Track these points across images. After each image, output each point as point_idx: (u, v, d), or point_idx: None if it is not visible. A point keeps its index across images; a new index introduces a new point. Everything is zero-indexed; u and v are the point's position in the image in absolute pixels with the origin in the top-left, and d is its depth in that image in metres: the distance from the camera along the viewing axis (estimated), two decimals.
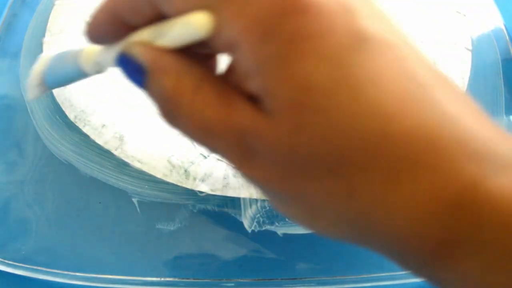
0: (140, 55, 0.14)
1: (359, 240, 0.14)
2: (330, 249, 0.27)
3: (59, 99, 0.29)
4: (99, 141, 0.27)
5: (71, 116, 0.28)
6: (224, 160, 0.14)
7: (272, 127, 0.12)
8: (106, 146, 0.27)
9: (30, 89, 0.23)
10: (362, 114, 0.12)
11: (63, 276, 0.25)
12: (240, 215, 0.26)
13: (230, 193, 0.26)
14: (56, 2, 0.33)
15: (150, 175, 0.26)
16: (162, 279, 0.26)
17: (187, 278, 0.26)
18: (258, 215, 0.26)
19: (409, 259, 0.13)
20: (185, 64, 0.14)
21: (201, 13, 0.13)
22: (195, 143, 0.15)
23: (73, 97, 0.29)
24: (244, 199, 0.26)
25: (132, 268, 0.26)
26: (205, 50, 0.14)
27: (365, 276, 0.26)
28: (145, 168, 0.26)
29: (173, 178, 0.26)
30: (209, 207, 0.27)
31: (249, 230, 0.26)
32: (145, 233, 0.27)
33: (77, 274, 0.25)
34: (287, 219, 0.26)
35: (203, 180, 0.26)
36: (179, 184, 0.26)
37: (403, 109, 0.12)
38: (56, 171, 0.28)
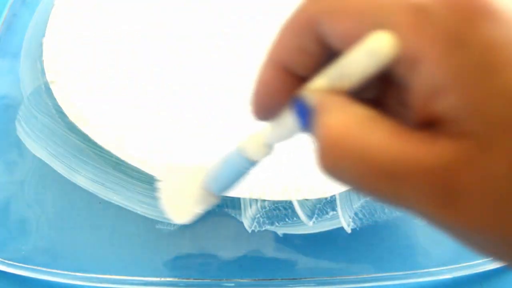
0: (309, 95, 0.12)
1: None
2: (330, 249, 0.27)
3: (59, 99, 0.29)
4: (99, 141, 0.27)
5: (71, 116, 0.28)
6: (412, 209, 0.11)
7: (484, 155, 0.10)
8: (106, 146, 0.27)
9: (192, 207, 0.21)
10: None
11: (63, 276, 0.25)
12: (240, 215, 0.26)
13: (230, 193, 0.26)
14: (56, 2, 0.33)
15: (150, 175, 0.26)
16: (162, 279, 0.26)
17: (187, 278, 0.26)
18: (258, 215, 0.26)
19: None
20: (349, 99, 0.12)
21: (382, 33, 0.11)
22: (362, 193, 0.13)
23: (73, 97, 0.29)
24: (244, 199, 0.26)
25: (132, 268, 0.26)
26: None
27: (365, 276, 0.26)
28: (145, 168, 0.26)
29: None
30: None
31: (249, 230, 0.26)
32: (145, 233, 0.27)
33: (77, 274, 0.25)
34: (287, 219, 0.26)
35: None
36: None
37: None
38: (56, 171, 0.28)
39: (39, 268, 0.26)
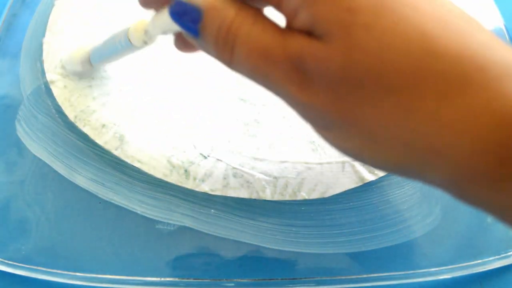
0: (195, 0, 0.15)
1: (414, 166, 0.14)
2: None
3: (59, 99, 0.29)
4: (99, 141, 0.27)
5: (71, 116, 0.28)
6: (279, 90, 0.15)
7: (326, 48, 0.13)
8: (106, 146, 0.27)
9: (72, 63, 0.26)
10: (407, 34, 0.12)
11: (63, 276, 0.25)
12: (241, 214, 0.26)
13: (230, 193, 0.26)
14: (56, 2, 0.33)
15: (150, 175, 0.26)
16: (162, 279, 0.26)
17: (187, 278, 0.26)
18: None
19: (466, 185, 0.13)
20: (240, 3, 0.15)
21: None
22: (252, 80, 0.15)
23: (73, 97, 0.29)
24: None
25: (132, 268, 0.26)
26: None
27: (365, 276, 0.26)
28: (145, 168, 0.26)
29: (173, 178, 0.26)
30: (209, 208, 0.27)
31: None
32: (145, 233, 0.27)
33: (77, 274, 0.25)
34: None
35: (203, 180, 0.26)
36: (179, 184, 0.26)
37: (445, 33, 0.12)
38: (56, 171, 0.28)
39: (39, 268, 0.26)
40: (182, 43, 0.20)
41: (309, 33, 0.14)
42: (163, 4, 0.17)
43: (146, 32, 0.19)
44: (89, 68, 0.27)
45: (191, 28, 0.15)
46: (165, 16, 0.16)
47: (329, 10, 0.13)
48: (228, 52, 0.15)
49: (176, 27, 0.16)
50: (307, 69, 0.13)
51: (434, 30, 0.12)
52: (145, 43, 0.20)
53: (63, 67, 0.29)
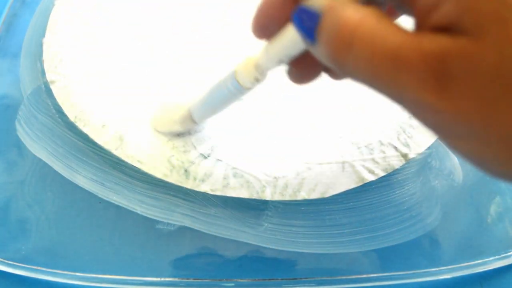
0: (316, 3, 0.14)
1: None
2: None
3: (59, 99, 0.29)
4: (99, 141, 0.27)
5: (71, 116, 0.28)
6: (408, 97, 0.13)
7: (476, 45, 0.11)
8: (106, 146, 0.27)
9: (169, 125, 0.24)
10: None
11: (63, 276, 0.25)
12: (241, 214, 0.26)
13: (230, 193, 0.26)
14: (56, 2, 0.33)
15: (150, 175, 0.26)
16: (162, 279, 0.26)
17: (187, 278, 0.26)
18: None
19: None
20: (361, 3, 0.13)
21: None
22: (366, 84, 0.14)
23: (73, 97, 0.29)
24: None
25: (132, 268, 0.26)
26: None
27: (365, 276, 0.26)
28: (145, 168, 0.26)
29: (173, 178, 0.26)
30: (209, 207, 0.27)
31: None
32: (145, 233, 0.27)
33: (77, 274, 0.25)
34: None
35: (203, 180, 0.26)
36: (179, 184, 0.26)
37: None
38: (56, 171, 0.28)
39: (39, 268, 0.26)
40: (297, 73, 0.18)
41: (447, 30, 0.12)
42: (279, 28, 0.16)
43: (257, 67, 0.17)
44: (191, 126, 0.24)
45: (309, 31, 0.14)
46: (282, 40, 0.15)
47: (481, 1, 0.11)
48: (345, 54, 0.13)
49: (293, 52, 0.15)
50: (450, 72, 0.12)
51: None
52: (257, 80, 0.18)
53: (155, 129, 0.27)
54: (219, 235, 0.26)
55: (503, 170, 0.13)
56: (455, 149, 0.14)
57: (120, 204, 0.26)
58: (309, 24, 0.14)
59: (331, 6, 0.13)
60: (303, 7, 0.14)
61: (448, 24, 0.12)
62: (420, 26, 0.13)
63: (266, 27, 0.16)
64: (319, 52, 0.14)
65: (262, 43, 0.17)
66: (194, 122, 0.23)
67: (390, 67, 0.12)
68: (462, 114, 0.12)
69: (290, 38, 0.15)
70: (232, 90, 0.18)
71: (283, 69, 0.32)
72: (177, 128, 0.25)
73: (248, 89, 0.18)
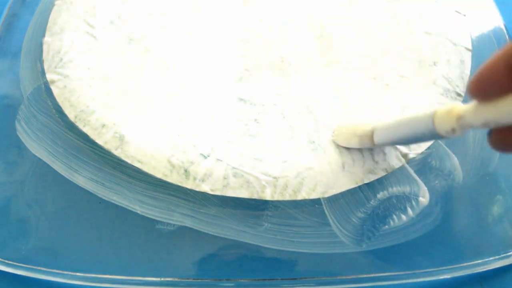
0: None
1: None
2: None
3: (59, 99, 0.29)
4: (99, 141, 0.27)
5: (71, 116, 0.28)
6: None
7: None
8: (106, 146, 0.27)
9: (348, 137, 0.24)
10: None
11: (63, 276, 0.25)
12: (241, 214, 0.26)
13: (230, 193, 0.26)
14: (56, 2, 0.33)
15: (150, 175, 0.26)
16: (162, 279, 0.26)
17: (187, 278, 0.26)
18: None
19: None
20: None
21: None
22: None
23: (73, 97, 0.29)
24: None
25: (132, 268, 0.26)
26: None
27: (365, 276, 0.26)
28: (145, 168, 0.26)
29: (173, 178, 0.26)
30: (209, 207, 0.27)
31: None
32: (145, 233, 0.27)
33: (77, 274, 0.25)
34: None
35: (203, 180, 0.26)
36: (179, 184, 0.26)
37: None
38: (56, 171, 0.28)
39: (39, 268, 0.26)
40: (501, 141, 0.17)
41: None
42: (498, 93, 0.15)
43: (459, 119, 0.16)
44: (368, 145, 0.24)
45: None
46: (500, 107, 0.15)
47: None
48: None
49: (507, 122, 0.15)
50: None
51: None
52: (453, 132, 0.17)
53: (333, 134, 0.27)
54: (219, 235, 0.26)
55: None
56: None
57: (120, 204, 0.26)
58: None
59: None
60: None
61: None
62: None
63: (485, 90, 0.15)
64: None
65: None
66: (372, 142, 0.23)
67: None
68: None
69: (504, 113, 0.14)
70: (424, 130, 0.18)
71: (283, 69, 0.31)
72: (355, 141, 0.25)
73: (441, 137, 0.18)
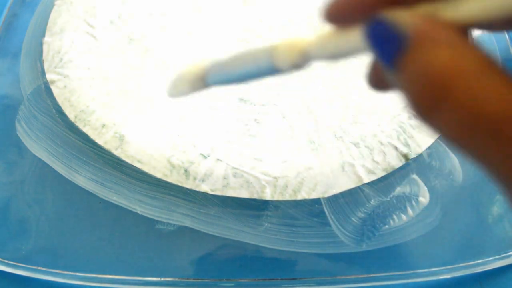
0: (404, 20, 0.11)
1: None
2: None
3: (59, 99, 0.29)
4: (99, 141, 0.27)
5: (71, 116, 0.28)
6: (502, 174, 0.10)
7: None
8: (106, 146, 0.27)
9: (182, 84, 0.21)
10: None
11: (63, 276, 0.25)
12: (241, 214, 0.26)
13: (230, 193, 0.26)
14: (56, 2, 0.33)
15: (150, 175, 0.26)
16: (162, 279, 0.26)
17: (187, 278, 0.26)
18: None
19: None
20: (465, 40, 0.10)
21: None
22: (449, 143, 0.11)
23: (73, 97, 0.29)
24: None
25: (132, 268, 0.26)
26: None
27: (365, 276, 0.26)
28: (145, 168, 0.26)
29: (173, 178, 0.26)
30: (209, 207, 0.27)
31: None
32: (145, 233, 0.27)
33: (77, 274, 0.25)
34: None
35: (203, 180, 0.26)
36: (179, 184, 0.26)
37: None
38: (56, 171, 0.28)
39: (39, 268, 0.26)
40: (376, 79, 0.15)
41: None
42: (354, 20, 0.13)
43: (303, 53, 0.15)
44: (200, 88, 0.21)
45: (387, 57, 0.11)
46: (350, 37, 0.13)
47: None
48: (432, 109, 0.10)
49: (356, 54, 0.13)
50: None
51: None
52: (296, 67, 0.16)
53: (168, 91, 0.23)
54: (219, 235, 0.26)
55: None
56: None
57: (120, 204, 0.26)
58: (389, 47, 0.11)
59: (422, 35, 0.10)
60: (384, 20, 0.11)
61: None
62: None
63: (341, 15, 0.13)
64: (397, 84, 0.11)
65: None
66: (205, 84, 0.20)
67: (488, 139, 0.10)
68: None
69: (360, 41, 0.13)
70: (262, 67, 0.16)
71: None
72: (186, 88, 0.22)
73: (283, 72, 0.16)
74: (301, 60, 0.15)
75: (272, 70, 0.16)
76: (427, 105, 0.11)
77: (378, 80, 0.15)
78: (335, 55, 0.14)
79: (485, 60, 0.10)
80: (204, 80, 0.20)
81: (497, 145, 0.10)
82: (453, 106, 0.10)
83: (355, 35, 0.13)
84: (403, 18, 0.11)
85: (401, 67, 0.11)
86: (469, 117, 0.10)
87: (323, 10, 0.13)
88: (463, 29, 0.11)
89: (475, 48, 0.10)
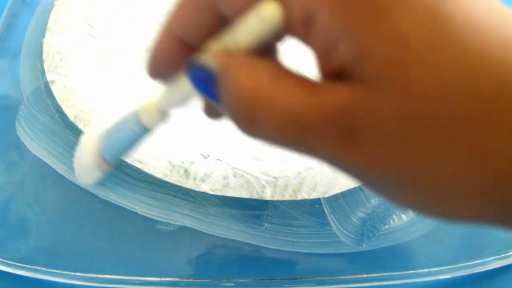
0: (207, 59, 0.13)
1: (497, 216, 0.11)
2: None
3: (59, 99, 0.29)
4: None
5: (71, 116, 0.28)
6: (320, 155, 0.12)
7: (376, 96, 0.10)
8: None
9: (90, 172, 0.21)
10: (472, 68, 0.10)
11: (63, 276, 0.25)
12: (241, 214, 0.26)
13: (230, 193, 0.26)
14: (56, 2, 0.33)
15: (150, 175, 0.26)
16: (162, 279, 0.26)
17: (187, 278, 0.26)
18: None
19: None
20: (255, 58, 0.12)
21: (268, 2, 0.12)
22: (279, 147, 0.13)
23: (73, 97, 0.29)
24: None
25: (132, 268, 0.26)
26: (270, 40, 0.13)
27: (365, 276, 0.26)
28: (145, 168, 0.26)
29: (173, 178, 0.26)
30: (209, 207, 0.27)
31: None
32: (145, 233, 0.27)
33: (77, 274, 0.25)
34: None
35: (203, 180, 0.26)
36: (179, 184, 0.26)
37: None
38: (56, 171, 0.28)
39: (39, 268, 0.26)
40: (211, 110, 0.18)
41: (347, 75, 0.11)
42: (174, 70, 0.15)
43: (160, 110, 0.17)
44: (108, 169, 0.20)
45: (210, 94, 0.13)
46: (181, 85, 0.15)
47: (378, 43, 0.10)
48: (250, 122, 0.12)
49: (193, 97, 0.15)
50: (354, 126, 0.11)
51: (501, 57, 0.10)
52: (161, 121, 0.18)
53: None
54: (219, 235, 0.26)
55: (441, 214, 0.12)
56: (387, 199, 0.13)
57: (120, 204, 0.26)
58: (207, 86, 0.13)
59: (224, 67, 0.12)
60: (196, 65, 0.13)
61: (347, 69, 0.11)
62: (322, 70, 0.12)
63: (161, 72, 0.15)
64: (224, 112, 0.13)
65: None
66: (109, 164, 0.20)
67: (296, 131, 0.12)
68: (373, 165, 0.11)
69: (188, 88, 0.15)
70: (138, 133, 0.18)
71: None
72: (97, 174, 0.21)
73: (154, 129, 0.18)
74: (161, 116, 0.17)
75: (146, 132, 0.18)
76: (246, 125, 0.12)
77: (212, 111, 0.18)
78: (183, 103, 0.16)
79: (277, 70, 0.12)
80: (106, 162, 0.20)
81: (304, 132, 0.11)
82: (264, 117, 0.12)
83: (184, 83, 0.15)
84: (207, 57, 0.13)
85: (219, 98, 0.13)
86: (278, 120, 0.12)
87: (147, 74, 0.16)
88: (261, 49, 0.13)
89: (264, 60, 0.12)
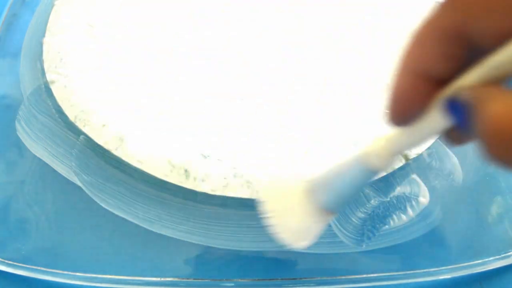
0: (465, 93, 0.13)
1: None
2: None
3: (59, 99, 0.29)
4: (99, 141, 0.27)
5: (71, 116, 0.28)
6: None
7: None
8: (106, 146, 0.27)
9: (311, 231, 0.19)
10: None
11: (63, 276, 0.25)
12: (241, 214, 0.26)
13: (230, 193, 0.26)
14: (56, 2, 0.33)
15: (150, 175, 0.26)
16: (162, 279, 0.26)
17: (187, 278, 0.26)
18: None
19: None
20: (507, 89, 0.12)
21: None
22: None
23: (73, 97, 0.29)
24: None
25: (132, 268, 0.26)
26: None
27: (365, 276, 0.26)
28: (145, 168, 0.26)
29: (173, 178, 0.26)
30: (209, 208, 0.27)
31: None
32: (145, 233, 0.27)
33: (77, 274, 0.25)
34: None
35: (203, 180, 0.26)
36: (179, 184, 0.26)
37: None
38: (56, 171, 0.28)
39: (39, 268, 0.26)
40: (455, 138, 0.17)
41: None
42: (421, 110, 0.15)
43: (392, 153, 0.16)
44: (331, 216, 0.19)
45: (463, 123, 0.13)
46: (426, 124, 0.15)
47: None
48: (506, 153, 0.12)
49: (434, 136, 0.15)
50: None
51: None
52: (392, 163, 0.17)
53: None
54: (219, 235, 0.26)
55: None
56: None
57: (120, 210, 0.26)
58: (460, 117, 0.13)
59: (480, 98, 0.12)
60: (453, 99, 0.13)
61: None
62: None
63: (406, 116, 0.15)
64: (474, 139, 0.13)
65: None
66: (331, 213, 0.19)
67: None
68: None
69: (433, 125, 0.14)
70: (367, 177, 0.18)
71: (280, 68, 0.32)
72: (320, 228, 0.19)
73: (383, 171, 0.18)
74: (392, 159, 0.16)
75: (376, 173, 0.17)
76: (503, 150, 0.12)
77: (456, 138, 0.17)
78: (416, 143, 0.15)
79: None
80: (327, 211, 0.19)
81: None
82: None
83: (431, 121, 0.14)
84: (465, 93, 0.13)
85: (474, 126, 0.12)
86: None
87: (389, 120, 0.15)
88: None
89: None
